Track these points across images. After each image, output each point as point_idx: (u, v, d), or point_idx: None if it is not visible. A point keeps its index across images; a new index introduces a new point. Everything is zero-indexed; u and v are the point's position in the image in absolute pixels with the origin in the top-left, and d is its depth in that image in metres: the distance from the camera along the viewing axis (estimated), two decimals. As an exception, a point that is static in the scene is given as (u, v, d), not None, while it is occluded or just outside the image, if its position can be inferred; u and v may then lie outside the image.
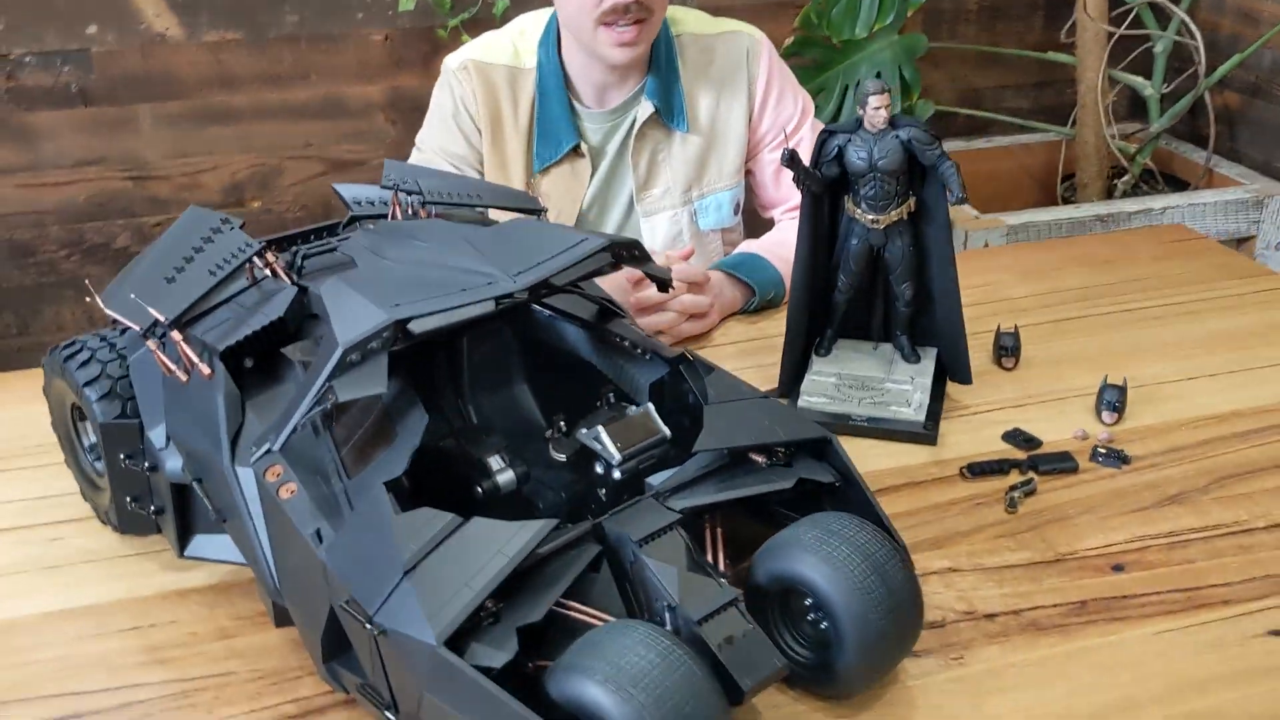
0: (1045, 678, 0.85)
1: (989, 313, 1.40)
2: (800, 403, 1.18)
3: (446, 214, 1.10)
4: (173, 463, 0.92)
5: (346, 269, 0.94)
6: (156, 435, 0.93)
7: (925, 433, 1.14)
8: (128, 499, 0.97)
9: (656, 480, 0.88)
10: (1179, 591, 0.93)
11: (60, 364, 1.00)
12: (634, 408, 0.95)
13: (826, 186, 1.15)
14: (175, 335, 0.90)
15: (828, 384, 1.19)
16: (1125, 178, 2.28)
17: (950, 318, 1.18)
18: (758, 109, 1.54)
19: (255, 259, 0.96)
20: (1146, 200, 2.12)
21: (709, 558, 0.87)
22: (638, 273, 1.32)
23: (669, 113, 1.50)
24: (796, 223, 1.51)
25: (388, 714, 0.77)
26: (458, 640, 0.72)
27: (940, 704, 0.83)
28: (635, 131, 1.50)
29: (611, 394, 0.99)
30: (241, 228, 0.99)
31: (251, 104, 2.14)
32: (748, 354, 1.33)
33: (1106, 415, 1.16)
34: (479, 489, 0.92)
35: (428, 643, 0.71)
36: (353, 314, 0.83)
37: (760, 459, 0.89)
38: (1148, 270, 1.51)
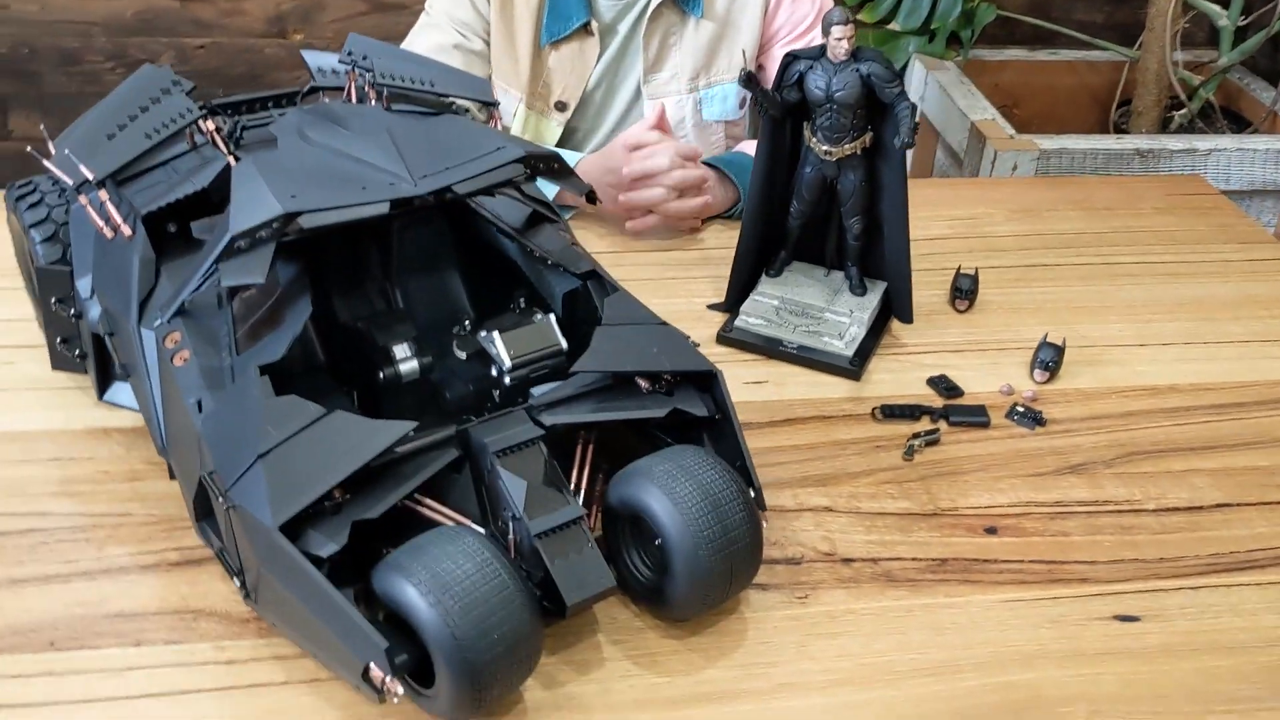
0: (878, 629, 0.88)
1: (964, 249, 1.39)
2: (737, 322, 1.20)
3: (403, 96, 1.11)
4: (94, 313, 0.97)
5: (270, 147, 0.96)
6: (84, 285, 0.98)
7: (850, 368, 1.15)
8: (58, 339, 1.03)
9: (538, 391, 0.91)
10: (1042, 563, 0.95)
11: (14, 202, 1.05)
12: (539, 316, 0.98)
13: (788, 111, 1.14)
14: (102, 194, 0.94)
15: (769, 306, 1.20)
16: (1183, 110, 2.19)
17: (897, 258, 1.18)
18: (774, 3, 1.51)
19: (198, 124, 0.99)
20: (1194, 139, 2.04)
21: (576, 474, 0.90)
22: (639, 137, 1.33)
23: None
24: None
25: (236, 580, 0.83)
26: (297, 525, 0.77)
27: (769, 639, 0.87)
28: (649, 12, 1.49)
29: (524, 298, 1.01)
30: (190, 92, 1.02)
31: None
32: (707, 263, 1.34)
33: (1038, 374, 1.16)
34: (381, 375, 0.96)
35: (266, 525, 0.76)
36: (252, 200, 0.86)
37: (644, 384, 0.91)
38: (1145, 223, 1.48)
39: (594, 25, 1.50)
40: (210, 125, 1.00)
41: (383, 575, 0.77)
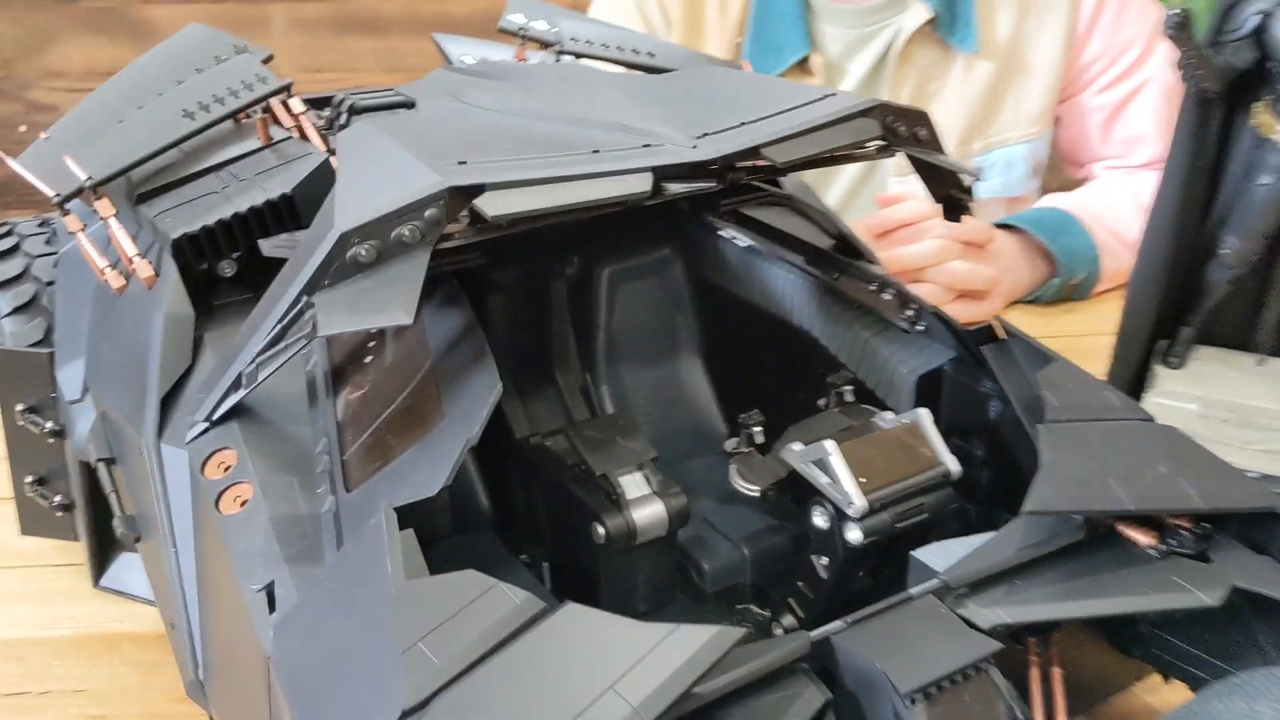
0: None
1: None
2: (1138, 438, 0.73)
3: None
4: (85, 426, 0.54)
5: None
6: (69, 378, 0.55)
7: (1369, 509, 0.68)
8: (28, 478, 0.59)
9: (932, 558, 0.46)
10: None
11: (-28, 256, 0.63)
12: (889, 415, 0.53)
13: (1226, 86, 0.70)
14: (105, 209, 0.52)
15: (1187, 414, 0.74)
16: None
17: None
18: (1084, 28, 1.07)
19: (271, 105, 0.58)
20: None
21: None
22: (890, 215, 0.89)
23: (951, 24, 1.05)
24: (1125, 178, 1.07)
25: None
26: None
27: None
28: (899, 48, 1.06)
29: (849, 387, 0.57)
30: (267, 61, 0.61)
31: (403, 12, 1.79)
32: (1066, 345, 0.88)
33: None
34: (599, 528, 0.52)
35: None
36: (378, 175, 0.43)
37: (1144, 539, 0.45)
38: None
39: (815, 61, 1.08)
40: (298, 105, 0.59)
41: None
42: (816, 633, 0.40)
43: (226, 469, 0.45)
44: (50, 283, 0.60)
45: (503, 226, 0.43)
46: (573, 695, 0.35)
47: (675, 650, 0.36)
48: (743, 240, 0.63)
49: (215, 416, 0.45)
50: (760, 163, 0.47)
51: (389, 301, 0.39)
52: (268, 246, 0.50)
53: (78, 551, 0.64)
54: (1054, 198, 1.04)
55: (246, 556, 0.42)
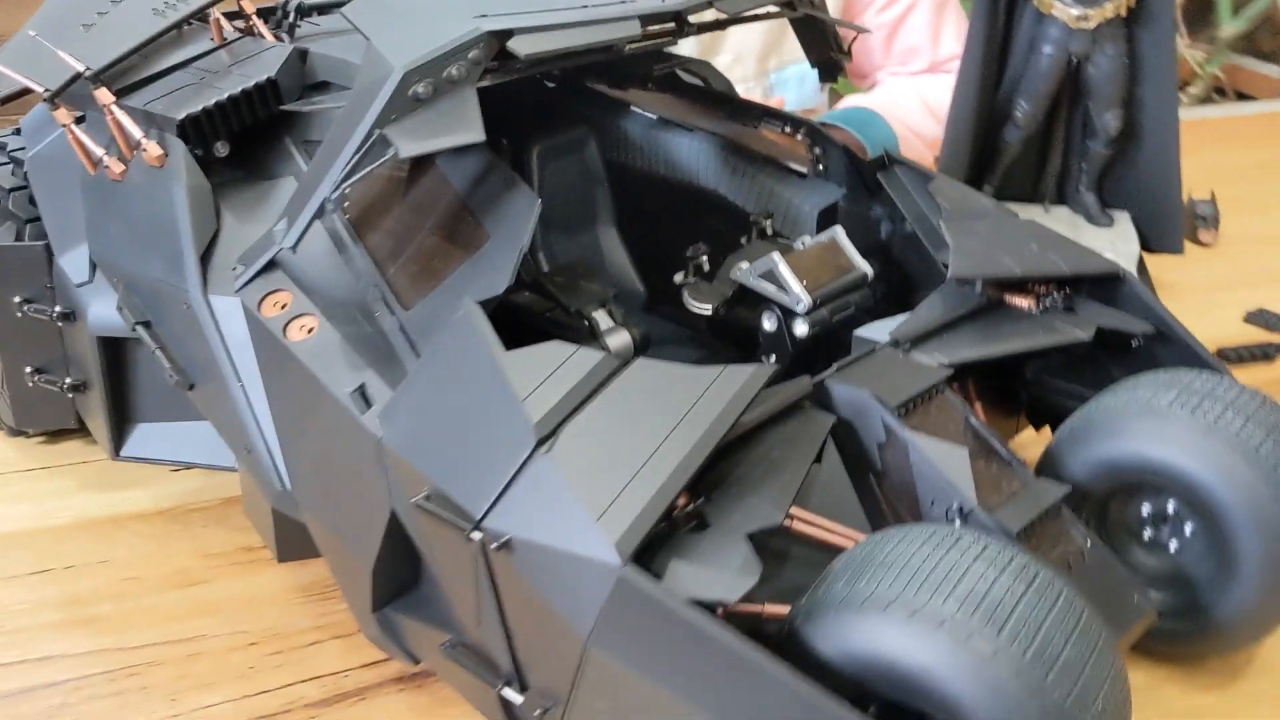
0: None
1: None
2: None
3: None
4: (100, 306, 0.58)
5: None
6: (72, 263, 0.59)
7: (1146, 311, 0.84)
8: (28, 370, 0.62)
9: (870, 332, 0.57)
10: None
11: (-80, 171, 0.65)
12: (806, 239, 0.64)
13: (1013, -28, 0.84)
14: (105, 97, 0.56)
15: (999, 252, 0.88)
16: (1192, 88, 2.02)
17: (1161, 161, 0.88)
18: None
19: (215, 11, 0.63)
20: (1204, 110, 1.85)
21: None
22: None
23: None
24: (910, 81, 1.21)
25: (506, 691, 0.44)
26: (645, 557, 0.40)
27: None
28: None
29: (768, 221, 0.67)
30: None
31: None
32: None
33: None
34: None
35: (600, 559, 0.39)
36: (412, 27, 0.50)
37: (1025, 303, 0.58)
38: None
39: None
40: (248, 4, 0.64)
41: (836, 623, 0.40)
42: (816, 378, 0.51)
43: (284, 307, 0.51)
44: (14, 189, 0.62)
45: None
46: (660, 421, 0.44)
47: (728, 383, 0.45)
48: (651, 114, 0.72)
49: (262, 268, 0.51)
50: (710, 17, 0.57)
51: (456, 125, 0.47)
52: (297, 106, 0.56)
53: (50, 457, 0.67)
54: (853, 98, 1.18)
55: (330, 368, 0.48)
